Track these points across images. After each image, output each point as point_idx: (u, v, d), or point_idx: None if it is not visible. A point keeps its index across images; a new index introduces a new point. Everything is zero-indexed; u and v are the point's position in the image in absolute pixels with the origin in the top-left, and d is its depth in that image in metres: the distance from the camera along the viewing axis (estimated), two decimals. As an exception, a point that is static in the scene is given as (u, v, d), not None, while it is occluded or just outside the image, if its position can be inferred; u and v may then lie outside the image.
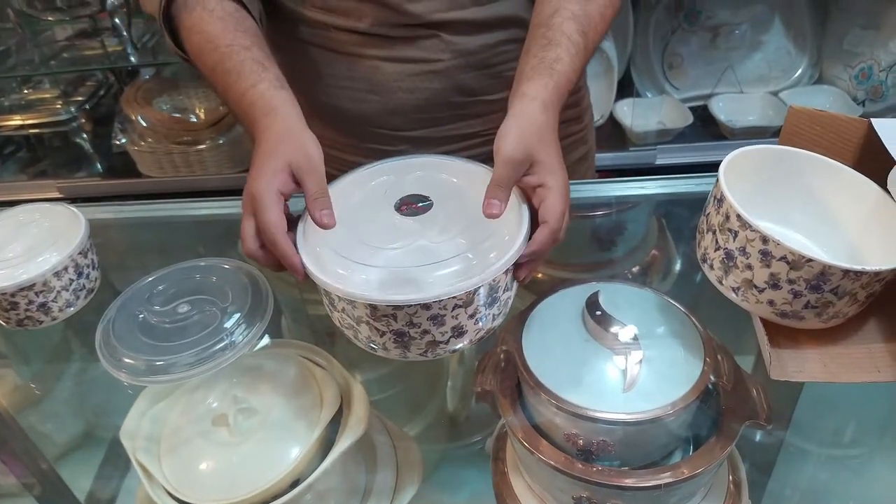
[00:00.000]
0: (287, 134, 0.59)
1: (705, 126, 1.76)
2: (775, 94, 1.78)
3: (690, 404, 0.52)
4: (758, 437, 0.66)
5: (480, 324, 0.53)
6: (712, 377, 0.54)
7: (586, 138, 0.94)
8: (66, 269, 0.69)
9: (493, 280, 0.50)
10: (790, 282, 0.53)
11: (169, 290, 0.68)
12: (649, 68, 1.81)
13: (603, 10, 0.68)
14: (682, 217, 0.88)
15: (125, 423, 0.62)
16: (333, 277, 0.51)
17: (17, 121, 1.69)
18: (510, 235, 0.53)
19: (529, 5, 0.72)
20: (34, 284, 0.67)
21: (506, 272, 0.52)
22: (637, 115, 1.73)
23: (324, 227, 0.55)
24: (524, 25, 0.70)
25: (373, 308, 0.49)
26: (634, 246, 0.92)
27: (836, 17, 1.76)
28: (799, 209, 0.64)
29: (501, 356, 0.62)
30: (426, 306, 0.48)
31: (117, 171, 1.70)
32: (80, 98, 1.74)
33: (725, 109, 1.74)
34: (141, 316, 0.65)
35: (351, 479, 0.64)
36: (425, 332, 0.50)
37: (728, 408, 0.55)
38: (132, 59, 1.59)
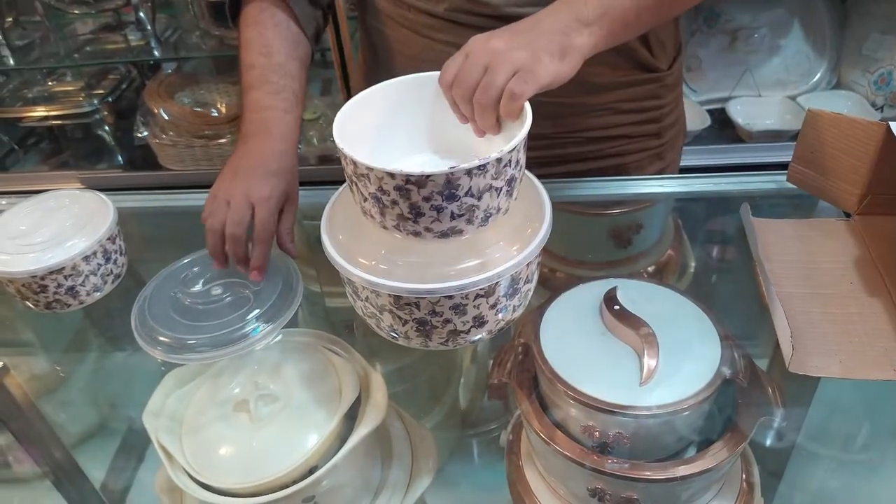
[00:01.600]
0: (281, 159, 0.70)
1: (722, 129, 1.76)
2: (793, 98, 1.77)
3: (707, 399, 0.53)
4: (769, 441, 0.67)
5: (501, 315, 0.53)
6: (728, 373, 0.54)
7: (663, 156, 0.93)
8: (94, 253, 0.71)
9: (515, 272, 0.51)
10: (426, 200, 0.49)
11: (204, 272, 0.70)
12: (667, 71, 1.81)
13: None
14: (699, 217, 0.88)
15: (148, 405, 0.63)
16: (359, 266, 0.51)
17: (40, 112, 1.71)
18: (532, 229, 0.53)
19: None
20: (63, 268, 0.69)
21: (528, 264, 0.52)
22: (654, 117, 1.73)
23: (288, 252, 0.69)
24: None
25: (396, 297, 0.49)
26: (651, 245, 0.92)
27: (855, 23, 1.75)
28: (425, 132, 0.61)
29: (519, 349, 0.63)
30: (449, 296, 0.49)
31: (138, 164, 1.72)
32: (102, 91, 1.76)
33: (743, 113, 1.74)
34: (175, 296, 0.67)
35: (367, 467, 0.65)
36: (447, 321, 0.51)
37: (743, 403, 0.56)
38: (156, 52, 1.61)
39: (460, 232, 0.50)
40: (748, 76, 1.78)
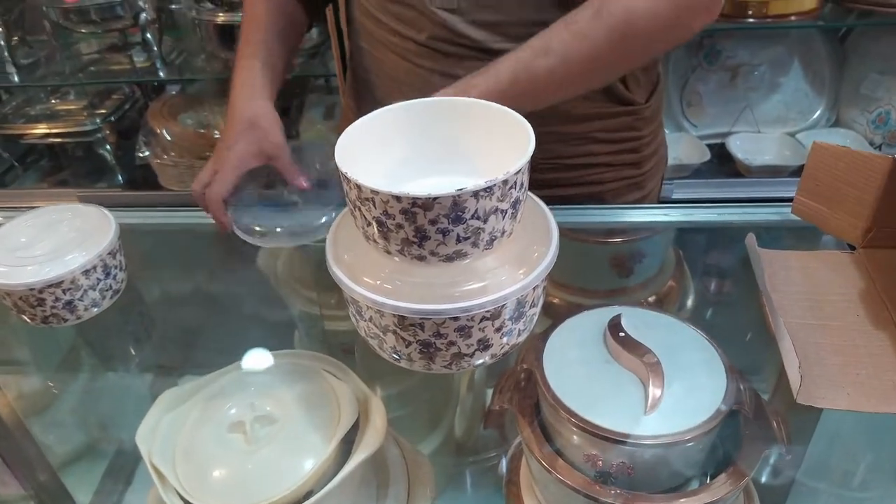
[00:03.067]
0: (259, 117, 0.80)
1: (722, 163, 1.77)
2: (792, 135, 1.79)
3: (712, 430, 0.52)
4: (765, 477, 0.66)
5: (506, 339, 0.53)
6: (734, 404, 0.54)
7: (643, 185, 0.94)
8: (94, 268, 0.70)
9: (522, 294, 0.50)
10: (432, 223, 0.49)
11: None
12: (668, 105, 1.83)
13: (551, 69, 0.68)
14: (701, 248, 0.88)
15: (141, 425, 0.62)
16: (363, 286, 0.51)
17: (42, 129, 1.72)
18: (538, 252, 0.53)
19: None
20: (62, 282, 0.68)
21: (534, 288, 0.52)
22: (654, 150, 1.74)
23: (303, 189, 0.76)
24: None
25: (401, 318, 0.49)
26: (652, 275, 0.92)
27: (854, 62, 1.77)
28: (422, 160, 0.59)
29: (521, 375, 0.62)
30: (454, 317, 0.48)
31: (138, 183, 1.72)
32: (105, 111, 1.76)
33: (743, 148, 1.75)
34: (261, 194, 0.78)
35: (363, 493, 0.64)
36: (451, 343, 0.50)
37: (748, 436, 0.55)
38: (161, 73, 1.62)
39: (465, 255, 0.49)
40: (748, 112, 1.80)
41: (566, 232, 0.82)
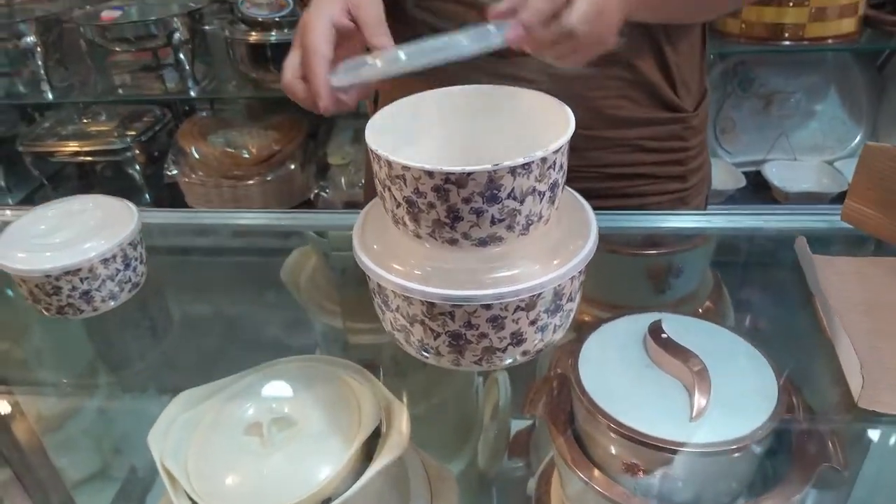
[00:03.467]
0: None
1: (757, 191, 1.73)
2: (830, 163, 1.75)
3: (763, 440, 0.48)
4: (816, 497, 0.61)
5: (540, 334, 0.49)
6: (786, 415, 0.50)
7: (688, 201, 0.90)
8: (114, 257, 0.68)
9: (559, 285, 0.47)
10: (466, 201, 0.45)
11: None
12: (701, 132, 1.80)
13: None
14: (741, 258, 0.84)
15: (154, 427, 0.59)
16: (390, 272, 0.48)
17: (72, 147, 1.73)
18: (575, 245, 0.50)
19: (639, 46, 0.71)
20: (80, 269, 0.66)
21: (572, 279, 0.49)
22: (687, 176, 1.71)
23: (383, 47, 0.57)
24: (631, 68, 0.68)
25: (430, 305, 0.46)
26: (688, 293, 0.88)
27: (892, 90, 1.74)
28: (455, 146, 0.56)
29: (554, 383, 0.59)
30: (487, 306, 0.45)
31: (165, 202, 1.73)
32: (135, 132, 1.78)
33: (779, 175, 1.71)
34: None
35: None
36: (483, 335, 0.47)
37: (801, 449, 0.51)
38: (192, 93, 1.63)
39: (500, 240, 0.47)
40: (783, 140, 1.76)
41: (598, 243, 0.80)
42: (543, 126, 0.49)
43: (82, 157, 1.74)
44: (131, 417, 0.79)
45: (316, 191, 1.69)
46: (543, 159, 0.44)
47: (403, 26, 0.84)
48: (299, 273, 0.98)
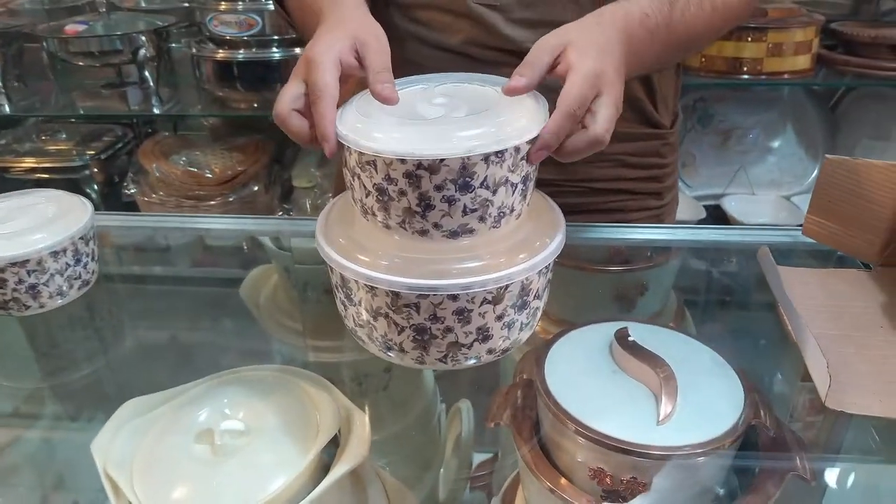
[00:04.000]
0: (353, 13, 0.60)
1: (717, 223, 1.76)
2: (788, 198, 1.79)
3: (731, 444, 0.47)
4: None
5: (507, 331, 0.48)
6: (753, 418, 0.49)
7: (662, 218, 0.91)
8: (64, 250, 0.65)
9: (526, 279, 0.46)
10: (438, 189, 0.45)
11: None
12: (662, 165, 1.83)
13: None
14: (705, 273, 0.84)
15: (99, 435, 0.56)
16: (356, 263, 0.47)
17: (29, 163, 1.69)
18: (542, 242, 0.49)
19: None
20: (28, 261, 0.63)
21: (539, 273, 0.48)
22: (648, 208, 1.73)
23: (385, 100, 0.50)
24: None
25: (395, 296, 0.44)
26: (653, 313, 0.88)
27: (845, 129, 1.80)
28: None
29: (519, 392, 0.57)
30: (453, 297, 0.44)
31: (122, 222, 1.69)
32: (94, 151, 1.74)
33: (738, 209, 1.75)
34: None
35: (341, 521, 0.57)
36: (448, 329, 0.45)
37: (768, 458, 0.50)
38: (155, 109, 1.61)
39: (471, 232, 0.46)
40: (742, 174, 1.80)
41: (563, 261, 0.79)
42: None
43: (38, 175, 1.69)
44: (72, 430, 0.75)
45: (280, 213, 1.66)
46: (517, 148, 0.44)
47: (390, 37, 0.84)
48: (259, 291, 0.96)
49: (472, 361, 0.49)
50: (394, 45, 0.82)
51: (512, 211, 0.47)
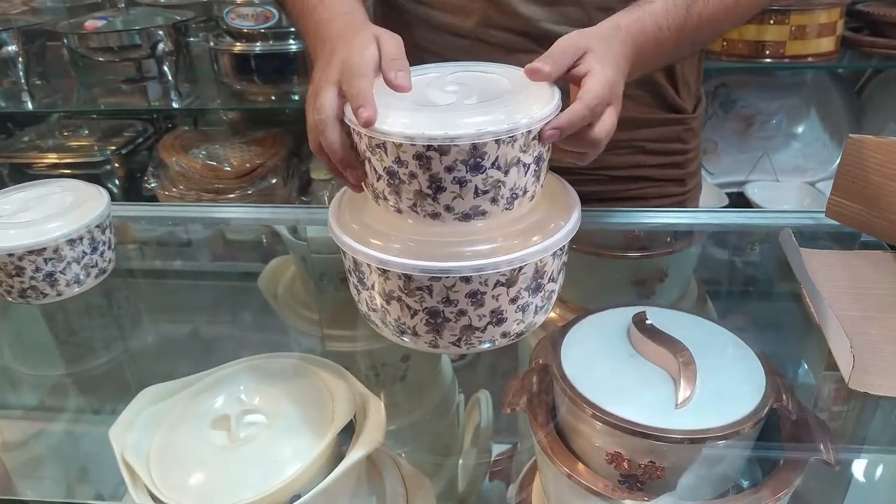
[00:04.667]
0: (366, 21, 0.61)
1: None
2: (812, 184, 1.76)
3: (752, 428, 0.46)
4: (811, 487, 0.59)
5: (521, 314, 0.47)
6: (774, 402, 0.48)
7: (685, 204, 0.90)
8: (81, 238, 0.65)
9: (540, 261, 0.46)
10: (449, 170, 0.44)
11: None
12: (683, 152, 1.81)
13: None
14: (726, 258, 0.83)
15: (117, 421, 0.56)
16: (369, 247, 0.46)
17: (51, 159, 1.71)
18: (556, 224, 0.48)
19: None
20: (45, 249, 0.63)
21: (553, 255, 0.47)
22: (669, 196, 1.71)
23: (398, 88, 0.49)
24: None
25: (407, 279, 0.44)
26: (674, 300, 0.87)
27: (870, 113, 1.76)
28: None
29: (535, 377, 0.57)
30: (466, 279, 0.43)
31: (143, 216, 1.70)
32: (115, 146, 1.76)
33: (761, 196, 1.72)
34: None
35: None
36: (461, 312, 0.45)
37: (790, 442, 0.49)
38: (175, 104, 1.61)
39: (483, 214, 0.45)
40: (765, 161, 1.77)
41: (580, 247, 0.78)
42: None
43: (60, 170, 1.71)
44: (93, 422, 0.76)
45: (298, 205, 1.67)
46: (529, 128, 0.43)
47: (397, 20, 0.83)
48: (277, 281, 0.96)
49: (486, 345, 0.48)
50: (404, 32, 0.82)
51: (525, 192, 0.46)
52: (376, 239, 0.47)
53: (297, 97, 1.62)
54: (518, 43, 0.75)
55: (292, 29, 1.50)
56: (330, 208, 0.53)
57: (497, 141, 0.42)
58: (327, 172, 1.70)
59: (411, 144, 0.42)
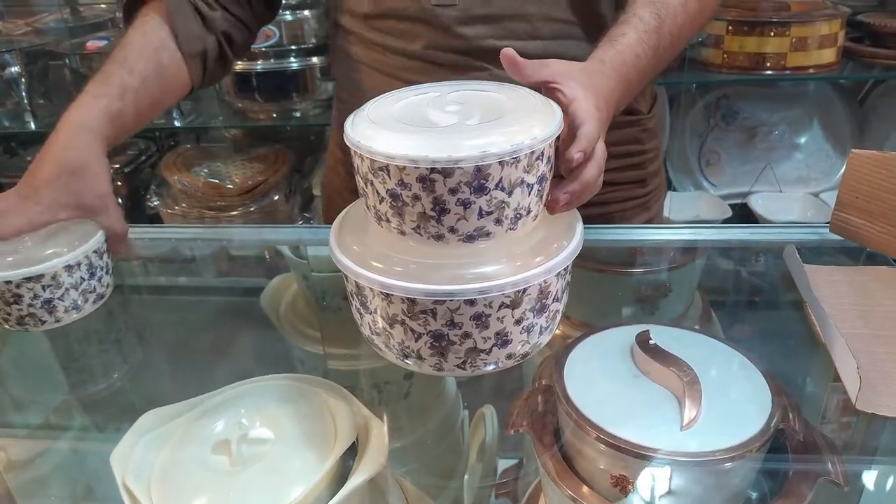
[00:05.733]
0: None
1: (743, 222, 1.73)
2: (816, 195, 1.76)
3: (758, 449, 0.45)
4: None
5: (526, 335, 0.47)
6: (781, 422, 0.47)
7: (649, 206, 0.90)
8: (78, 264, 0.65)
9: (544, 282, 0.45)
10: (452, 192, 0.44)
11: None
12: (686, 165, 1.81)
13: (684, 1, 0.66)
14: (730, 273, 0.82)
15: (118, 446, 0.56)
16: (370, 271, 0.46)
17: (55, 178, 1.71)
18: (558, 244, 0.48)
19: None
20: (42, 276, 0.63)
21: (557, 275, 0.47)
22: (674, 208, 1.71)
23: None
24: None
25: (411, 303, 0.44)
26: (677, 316, 0.86)
27: (874, 123, 1.75)
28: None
29: (539, 397, 0.56)
30: (470, 302, 0.43)
31: (146, 234, 1.70)
32: (118, 165, 1.76)
33: (765, 207, 1.71)
34: None
35: (360, 531, 0.57)
36: (466, 335, 0.45)
37: (798, 462, 0.48)
38: (177, 122, 1.62)
39: (487, 235, 0.45)
40: (769, 172, 1.77)
41: (583, 263, 0.78)
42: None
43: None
44: (96, 440, 0.75)
45: (300, 222, 1.67)
46: (532, 150, 0.43)
47: (352, 43, 0.83)
48: (279, 299, 0.96)
49: (491, 367, 0.47)
50: (360, 54, 0.82)
51: (529, 212, 0.46)
52: (378, 262, 0.46)
53: (298, 114, 1.62)
54: (466, 62, 0.75)
55: (293, 47, 1.51)
56: (331, 230, 0.53)
57: (501, 162, 0.42)
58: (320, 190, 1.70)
59: (415, 167, 0.42)
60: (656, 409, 0.48)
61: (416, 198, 0.43)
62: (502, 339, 0.46)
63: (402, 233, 0.46)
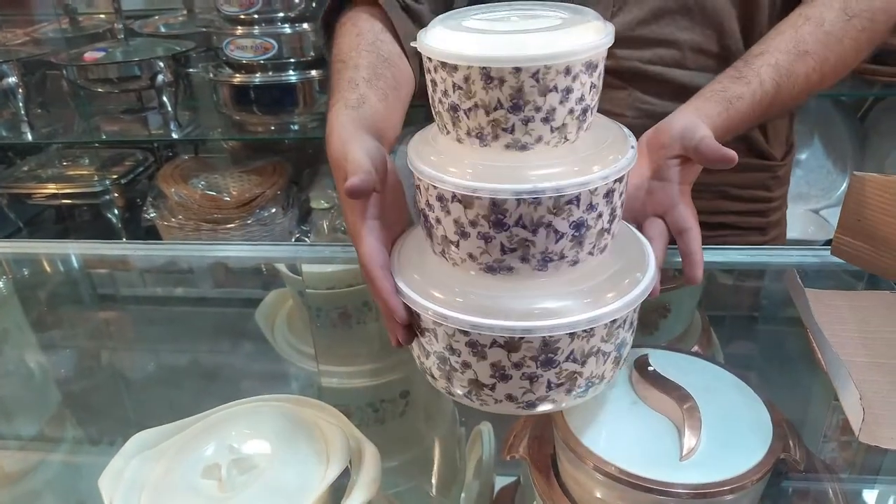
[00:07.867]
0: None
1: (743, 238, 1.72)
2: (816, 211, 1.75)
3: (759, 480, 0.44)
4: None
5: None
6: (782, 452, 0.46)
7: None
8: None
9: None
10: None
11: None
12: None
13: (809, 73, 0.63)
14: (730, 295, 0.81)
15: (107, 469, 0.55)
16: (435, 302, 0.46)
17: (50, 189, 1.70)
18: (630, 278, 0.47)
19: None
20: None
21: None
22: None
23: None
24: None
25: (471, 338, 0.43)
26: (676, 336, 0.85)
27: (875, 141, 1.75)
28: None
29: (534, 423, 0.55)
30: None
31: (142, 246, 1.69)
32: (115, 175, 1.76)
33: (764, 223, 1.71)
34: None
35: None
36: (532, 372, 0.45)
37: (800, 491, 0.48)
38: (174, 134, 1.61)
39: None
40: (768, 188, 1.76)
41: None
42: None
43: (60, 200, 1.70)
44: (86, 460, 0.74)
45: (297, 235, 1.66)
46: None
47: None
48: (275, 315, 0.95)
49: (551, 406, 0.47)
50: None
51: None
52: (438, 292, 0.46)
53: (296, 127, 1.61)
54: (609, 80, 0.72)
55: (292, 60, 1.50)
56: (391, 259, 0.51)
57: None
58: (327, 202, 1.70)
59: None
60: (655, 437, 0.47)
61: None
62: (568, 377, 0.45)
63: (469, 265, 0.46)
